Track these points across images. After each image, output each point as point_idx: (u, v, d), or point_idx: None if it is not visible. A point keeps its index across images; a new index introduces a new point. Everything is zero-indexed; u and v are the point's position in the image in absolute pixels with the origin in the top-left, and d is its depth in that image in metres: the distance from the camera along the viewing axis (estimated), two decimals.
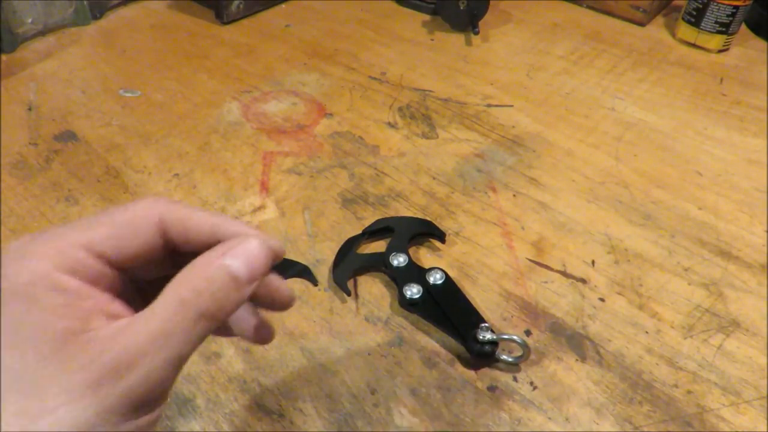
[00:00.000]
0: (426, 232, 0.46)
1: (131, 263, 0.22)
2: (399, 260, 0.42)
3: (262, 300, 0.24)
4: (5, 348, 0.18)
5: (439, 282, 0.41)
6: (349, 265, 0.43)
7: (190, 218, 0.22)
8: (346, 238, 0.45)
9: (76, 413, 0.18)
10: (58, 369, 0.18)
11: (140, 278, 0.23)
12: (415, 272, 0.42)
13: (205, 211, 0.23)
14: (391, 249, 0.43)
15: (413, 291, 0.40)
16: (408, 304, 0.40)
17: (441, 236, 0.46)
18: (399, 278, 0.41)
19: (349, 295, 0.42)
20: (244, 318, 0.25)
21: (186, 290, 0.20)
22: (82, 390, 0.18)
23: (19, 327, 0.19)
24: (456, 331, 0.38)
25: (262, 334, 0.25)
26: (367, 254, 0.45)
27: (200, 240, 0.22)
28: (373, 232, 0.46)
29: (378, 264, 0.43)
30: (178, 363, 0.20)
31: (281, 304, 0.25)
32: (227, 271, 0.21)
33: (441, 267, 0.42)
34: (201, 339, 0.20)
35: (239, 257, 0.21)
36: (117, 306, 0.21)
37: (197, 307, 0.20)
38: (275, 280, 0.24)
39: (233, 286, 0.21)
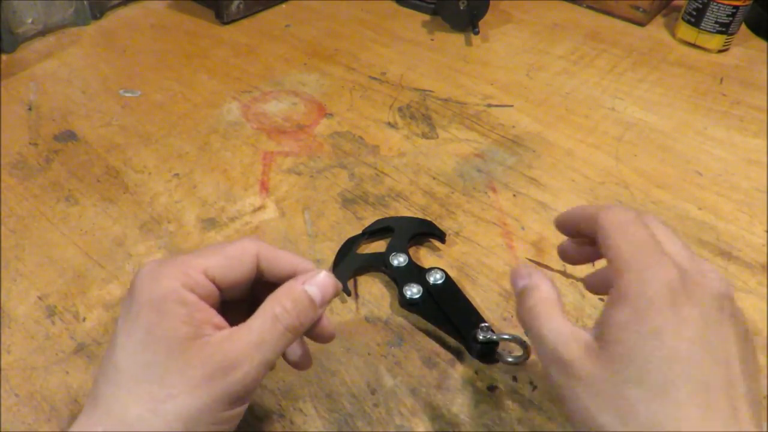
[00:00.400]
0: (426, 232, 0.46)
1: (231, 286, 0.28)
2: (399, 260, 0.42)
3: (311, 331, 0.29)
4: (142, 346, 0.24)
5: (439, 282, 0.41)
6: (349, 265, 0.43)
7: (277, 256, 0.29)
8: (346, 238, 0.45)
9: (192, 400, 0.23)
10: (181, 365, 0.24)
11: (227, 299, 0.29)
12: (415, 272, 0.42)
13: (287, 252, 0.29)
14: (391, 249, 0.43)
15: (413, 291, 0.40)
16: (408, 304, 0.40)
17: (441, 236, 0.46)
18: (399, 278, 0.41)
19: (349, 295, 0.42)
20: (293, 346, 0.30)
21: (278, 308, 0.26)
22: (198, 382, 0.24)
23: (153, 330, 0.24)
24: (456, 331, 0.38)
25: (304, 362, 0.31)
26: (367, 254, 0.45)
27: (282, 272, 0.28)
28: (373, 232, 0.46)
29: (378, 264, 0.43)
30: (268, 366, 0.26)
31: (324, 337, 0.30)
32: (307, 295, 0.27)
33: (441, 267, 0.42)
34: (285, 348, 0.26)
35: (315, 285, 0.27)
36: (219, 318, 0.26)
37: (285, 321, 0.26)
38: (324, 317, 0.29)
39: (311, 306, 0.27)
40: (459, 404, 0.36)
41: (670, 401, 0.22)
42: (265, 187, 0.51)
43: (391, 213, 0.49)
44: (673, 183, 0.52)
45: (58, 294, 0.42)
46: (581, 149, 0.56)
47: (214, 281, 0.27)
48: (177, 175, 0.52)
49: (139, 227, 0.47)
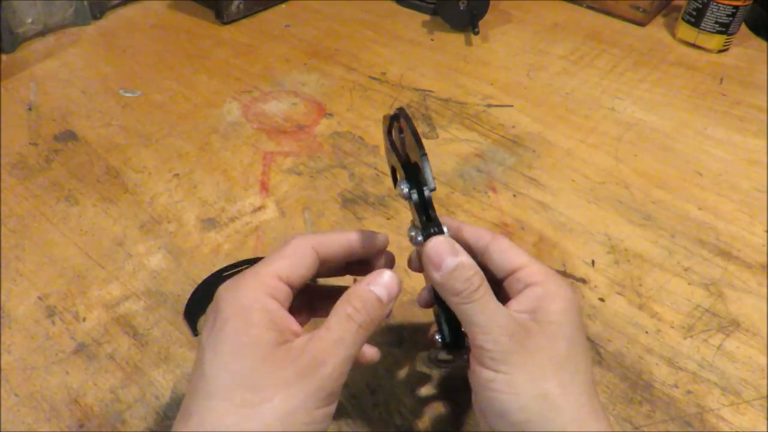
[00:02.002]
0: None
1: (300, 283, 0.29)
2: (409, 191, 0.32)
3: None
4: (230, 356, 0.25)
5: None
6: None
7: (330, 240, 0.30)
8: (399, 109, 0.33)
9: (287, 401, 0.24)
10: (271, 368, 0.25)
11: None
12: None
13: (336, 232, 0.31)
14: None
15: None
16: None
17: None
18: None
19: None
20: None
21: (349, 309, 0.28)
22: (290, 382, 0.25)
23: (240, 339, 0.25)
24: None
25: (372, 355, 0.31)
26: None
27: (340, 252, 0.31)
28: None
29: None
30: (350, 361, 0.27)
31: (367, 361, 0.31)
32: (373, 294, 0.28)
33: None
34: (361, 344, 0.28)
35: (380, 285, 0.29)
36: (296, 324, 0.28)
37: (357, 319, 0.27)
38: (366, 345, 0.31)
39: (378, 305, 0.28)
40: (459, 404, 0.36)
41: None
42: (265, 187, 0.51)
43: (391, 213, 0.49)
44: (673, 183, 0.52)
45: (58, 294, 0.42)
46: (581, 149, 0.56)
47: (286, 283, 0.28)
48: (177, 175, 0.52)
49: (139, 227, 0.47)
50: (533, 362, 0.27)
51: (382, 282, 0.29)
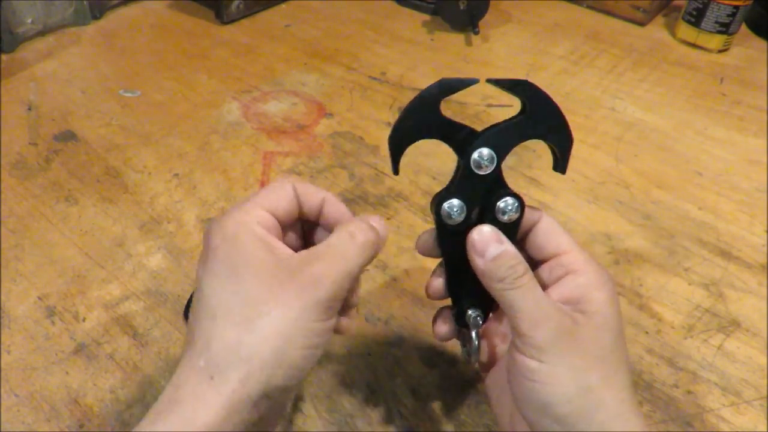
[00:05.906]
0: (555, 142, 0.32)
1: (285, 216, 0.29)
2: (483, 158, 0.30)
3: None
4: (226, 277, 0.25)
5: (510, 214, 0.29)
6: (418, 126, 0.31)
7: (309, 187, 0.30)
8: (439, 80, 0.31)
9: (285, 313, 0.25)
10: (269, 285, 0.25)
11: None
12: (487, 186, 0.30)
13: (318, 187, 0.30)
14: (486, 138, 0.31)
15: (454, 209, 0.29)
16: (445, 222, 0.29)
17: (563, 163, 0.31)
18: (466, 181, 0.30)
19: (396, 173, 0.31)
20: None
21: (351, 227, 0.28)
22: (289, 297, 0.25)
23: (234, 260, 0.26)
24: (469, 293, 0.30)
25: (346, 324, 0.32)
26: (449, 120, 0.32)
27: (314, 202, 0.30)
28: (506, 86, 0.31)
29: (452, 135, 0.32)
30: (350, 278, 0.27)
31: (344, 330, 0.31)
32: (370, 224, 0.28)
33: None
34: (363, 264, 0.27)
35: (373, 221, 0.29)
36: (285, 246, 0.28)
37: (359, 238, 0.27)
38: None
39: (375, 234, 0.28)
40: (459, 404, 0.36)
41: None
42: None
43: (391, 213, 0.49)
44: (673, 183, 0.52)
45: (58, 294, 0.42)
46: (581, 149, 0.56)
47: (271, 214, 0.29)
48: (177, 175, 0.52)
49: (139, 227, 0.47)
50: (578, 353, 0.26)
51: (373, 219, 0.29)
